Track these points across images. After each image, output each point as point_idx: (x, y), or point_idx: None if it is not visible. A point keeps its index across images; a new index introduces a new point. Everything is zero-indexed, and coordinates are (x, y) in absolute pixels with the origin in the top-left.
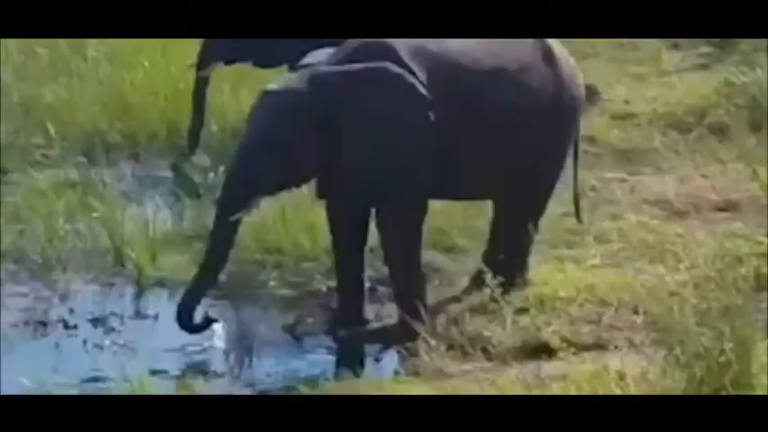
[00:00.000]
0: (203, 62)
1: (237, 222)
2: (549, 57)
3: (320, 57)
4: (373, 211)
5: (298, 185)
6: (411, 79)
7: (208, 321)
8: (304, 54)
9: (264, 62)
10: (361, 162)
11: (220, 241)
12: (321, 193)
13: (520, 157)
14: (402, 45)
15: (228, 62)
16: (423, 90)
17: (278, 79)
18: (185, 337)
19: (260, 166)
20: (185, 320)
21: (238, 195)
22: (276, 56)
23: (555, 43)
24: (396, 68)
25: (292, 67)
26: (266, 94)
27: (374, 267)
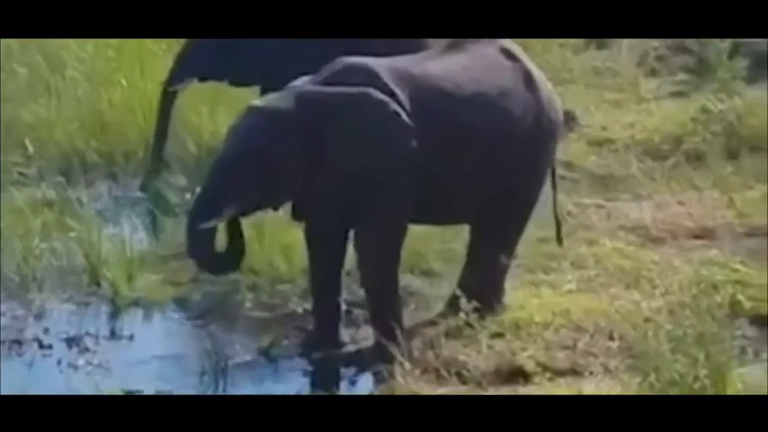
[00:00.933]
0: (175, 78)
1: (211, 231)
2: (528, 82)
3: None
4: (351, 233)
5: (274, 207)
6: (394, 105)
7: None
8: (279, 73)
9: (239, 80)
10: (342, 185)
11: (198, 245)
12: (297, 215)
13: (498, 182)
14: (384, 69)
15: (203, 79)
16: (405, 117)
17: (257, 99)
18: (160, 357)
19: (238, 177)
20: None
21: (213, 204)
22: (250, 75)
23: (534, 68)
24: (379, 94)
25: (266, 88)
26: (250, 110)
27: (350, 290)
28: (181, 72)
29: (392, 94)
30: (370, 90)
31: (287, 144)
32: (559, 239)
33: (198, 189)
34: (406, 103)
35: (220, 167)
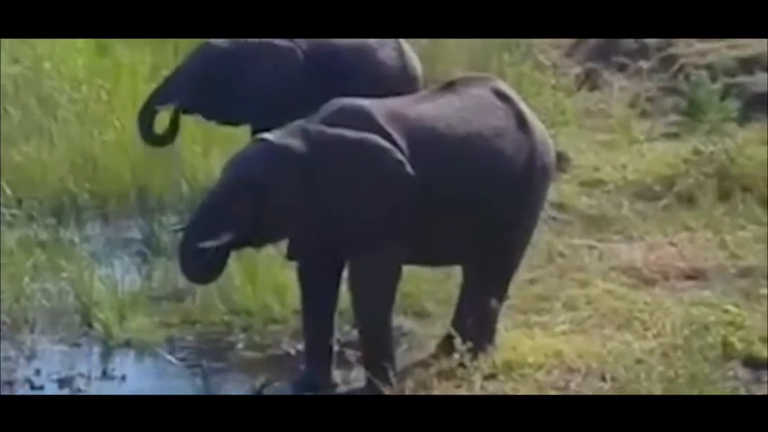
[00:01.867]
0: (160, 98)
1: (203, 266)
2: (521, 123)
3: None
4: (345, 273)
5: (269, 240)
6: (396, 153)
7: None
8: (274, 115)
9: (225, 118)
10: (338, 225)
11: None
12: (292, 253)
13: (491, 223)
14: (380, 110)
15: (185, 111)
16: (405, 163)
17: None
18: None
19: (238, 201)
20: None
21: (211, 225)
22: (243, 115)
23: (527, 109)
24: (381, 141)
25: (255, 125)
26: (258, 141)
27: (342, 330)
28: (165, 95)
29: (388, 136)
30: (373, 136)
31: (289, 178)
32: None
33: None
34: (401, 144)
35: (222, 190)
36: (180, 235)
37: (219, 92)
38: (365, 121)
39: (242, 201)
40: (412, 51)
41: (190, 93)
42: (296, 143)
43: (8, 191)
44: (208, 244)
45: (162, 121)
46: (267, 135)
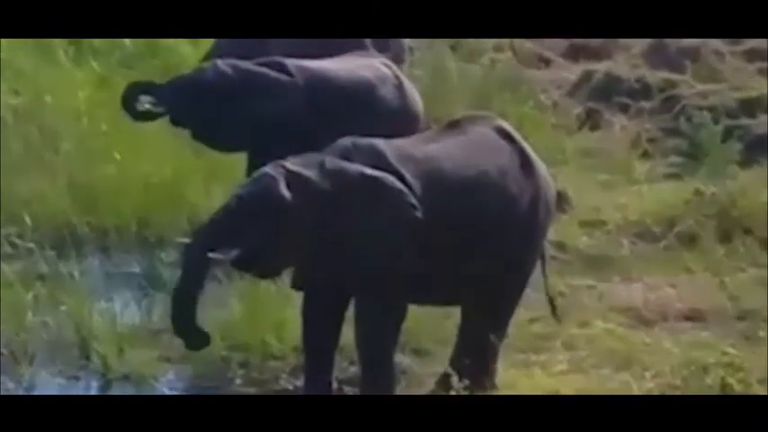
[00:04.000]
0: (153, 94)
1: (208, 265)
2: (525, 163)
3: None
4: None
5: (270, 267)
6: (410, 197)
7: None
8: (261, 139)
9: (218, 143)
10: (347, 259)
11: (192, 281)
12: (296, 283)
13: (494, 262)
14: (390, 149)
15: (173, 121)
16: (414, 200)
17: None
18: None
19: (252, 217)
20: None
21: (220, 240)
22: (231, 139)
23: (529, 149)
24: (396, 182)
25: (250, 153)
26: (279, 168)
27: (340, 367)
28: (159, 93)
29: (400, 176)
30: (389, 176)
31: (305, 205)
32: (556, 317)
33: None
34: (413, 185)
35: (237, 203)
36: None
37: (214, 113)
38: (378, 159)
39: (257, 216)
40: (413, 89)
41: (182, 103)
42: (312, 173)
43: (8, 223)
44: (216, 255)
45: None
46: (284, 162)
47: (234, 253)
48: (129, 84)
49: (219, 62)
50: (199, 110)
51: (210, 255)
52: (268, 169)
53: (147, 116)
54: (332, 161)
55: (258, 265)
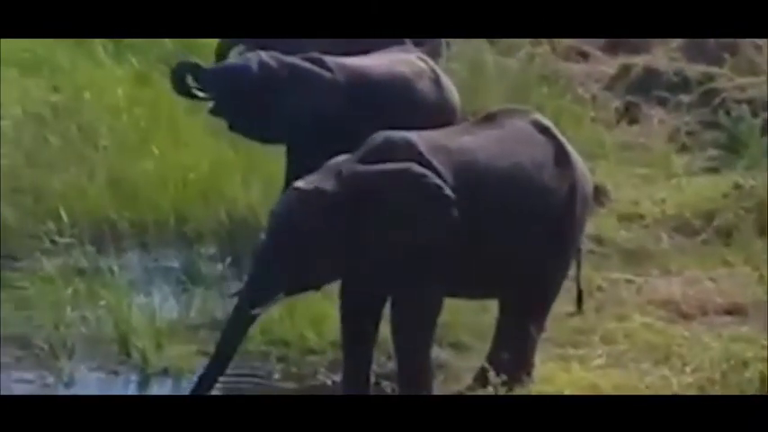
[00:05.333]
0: (199, 78)
1: (254, 318)
2: (562, 156)
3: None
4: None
5: (319, 286)
6: (435, 179)
7: None
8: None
9: (263, 136)
10: (382, 260)
11: (234, 334)
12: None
13: (530, 256)
14: (423, 142)
15: (212, 112)
16: (447, 189)
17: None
18: None
19: (284, 261)
20: None
21: (261, 291)
22: (272, 131)
23: (566, 143)
24: (420, 168)
25: (289, 146)
26: (293, 192)
27: (379, 362)
28: (204, 79)
29: (431, 167)
30: (412, 165)
31: (329, 226)
32: (580, 310)
33: (229, 263)
34: (446, 177)
35: (265, 252)
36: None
37: (254, 104)
38: (410, 152)
39: (286, 257)
40: (450, 83)
41: (224, 90)
42: (329, 186)
43: (47, 218)
44: (258, 311)
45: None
46: (298, 182)
47: (276, 296)
48: (179, 62)
49: (263, 54)
50: (240, 99)
51: (253, 313)
52: (283, 199)
53: (192, 95)
54: (348, 166)
55: (305, 290)
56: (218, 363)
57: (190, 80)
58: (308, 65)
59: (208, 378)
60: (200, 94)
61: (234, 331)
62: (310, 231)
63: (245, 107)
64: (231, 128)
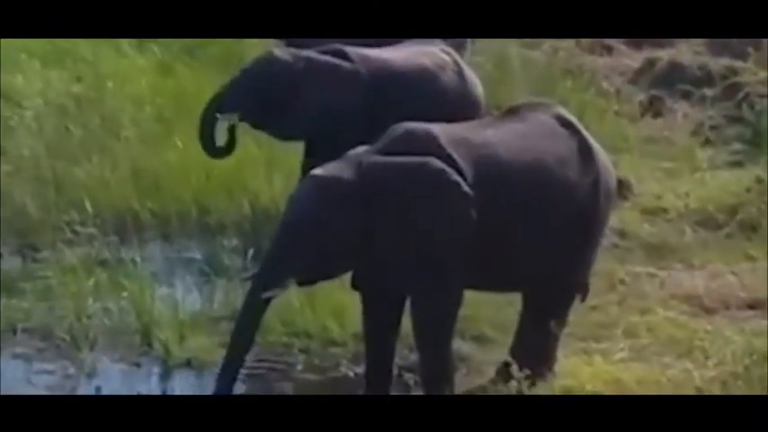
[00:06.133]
0: (222, 106)
1: (267, 303)
2: (585, 151)
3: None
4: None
5: (332, 276)
6: (454, 175)
7: None
8: (335, 134)
9: (283, 133)
10: (401, 253)
11: (248, 319)
12: (356, 284)
13: (552, 250)
14: (444, 135)
15: (242, 119)
16: (465, 186)
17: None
18: None
19: (298, 248)
20: None
21: (273, 275)
22: (299, 132)
23: (589, 137)
24: (439, 163)
25: (310, 141)
26: (311, 179)
27: (401, 354)
28: (226, 102)
29: (452, 161)
30: (431, 159)
31: (346, 215)
32: (583, 300)
33: (251, 255)
34: (466, 170)
35: (280, 237)
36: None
37: (277, 105)
38: (430, 145)
39: (300, 243)
40: (474, 76)
41: (248, 103)
42: (347, 176)
43: (70, 209)
44: (269, 294)
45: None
46: (318, 171)
47: (289, 281)
48: (203, 113)
49: (277, 51)
50: (261, 102)
51: (264, 295)
52: (301, 185)
53: (222, 153)
54: (368, 157)
55: (317, 279)
56: (236, 352)
57: (219, 125)
58: (326, 57)
59: (228, 370)
60: (232, 120)
61: (248, 317)
62: (326, 219)
63: (266, 109)
64: (255, 126)
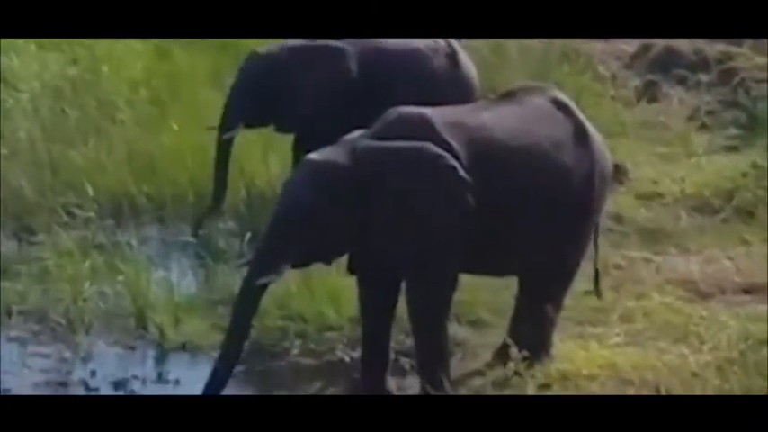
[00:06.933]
0: (226, 125)
1: (264, 287)
2: (581, 135)
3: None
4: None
5: (328, 261)
6: (450, 160)
7: None
8: (328, 121)
9: (283, 127)
10: (396, 238)
11: (245, 306)
12: (352, 268)
13: (548, 234)
14: (439, 118)
15: (249, 125)
16: (461, 170)
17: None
18: None
19: (293, 233)
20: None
21: (268, 261)
22: (297, 121)
23: (586, 121)
24: (435, 149)
25: (311, 133)
26: (306, 165)
27: (397, 339)
28: (230, 119)
29: (447, 145)
30: (427, 144)
31: (341, 201)
32: (598, 292)
33: (249, 238)
34: (461, 154)
35: (275, 224)
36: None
37: (275, 98)
38: (425, 129)
39: (295, 229)
40: (468, 59)
41: (248, 110)
42: (342, 161)
43: (65, 192)
44: (265, 280)
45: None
46: (312, 155)
47: (284, 267)
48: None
49: (258, 49)
50: (260, 102)
51: (259, 282)
52: (297, 171)
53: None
54: (362, 142)
55: (312, 262)
56: (235, 339)
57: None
58: (316, 42)
59: (226, 357)
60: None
61: (244, 302)
62: (321, 205)
63: (266, 105)
64: (263, 125)
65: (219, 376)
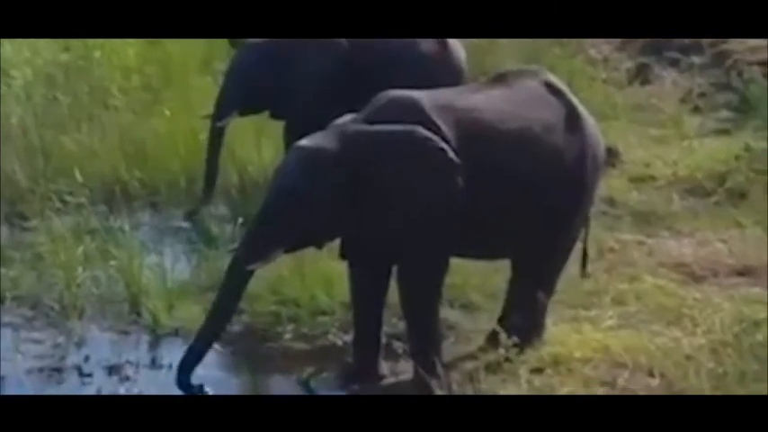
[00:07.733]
0: (220, 113)
1: (250, 274)
2: (572, 118)
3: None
4: (394, 268)
5: (319, 245)
6: (440, 142)
7: (201, 389)
8: (319, 106)
9: (277, 113)
10: (387, 222)
11: (230, 292)
12: (344, 253)
13: (540, 217)
14: (429, 102)
15: (243, 113)
16: (451, 153)
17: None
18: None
19: (283, 219)
20: (184, 379)
21: (258, 246)
22: (291, 107)
23: (578, 103)
24: (424, 131)
25: (305, 120)
26: (296, 150)
27: (389, 322)
28: (224, 107)
29: (436, 128)
30: (416, 127)
31: (331, 185)
32: (584, 272)
33: (241, 223)
34: (451, 137)
35: (265, 210)
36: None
37: (268, 88)
38: (414, 112)
39: (285, 215)
40: (458, 44)
41: (243, 98)
42: (332, 146)
43: (58, 178)
44: (253, 267)
45: None
46: (303, 141)
47: (274, 254)
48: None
49: (249, 40)
50: (253, 89)
51: (248, 267)
52: (287, 157)
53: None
54: (353, 126)
55: (304, 247)
56: (216, 319)
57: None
58: None
59: (204, 337)
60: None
61: (230, 288)
62: (311, 190)
63: (260, 91)
64: (257, 112)
65: (194, 354)
